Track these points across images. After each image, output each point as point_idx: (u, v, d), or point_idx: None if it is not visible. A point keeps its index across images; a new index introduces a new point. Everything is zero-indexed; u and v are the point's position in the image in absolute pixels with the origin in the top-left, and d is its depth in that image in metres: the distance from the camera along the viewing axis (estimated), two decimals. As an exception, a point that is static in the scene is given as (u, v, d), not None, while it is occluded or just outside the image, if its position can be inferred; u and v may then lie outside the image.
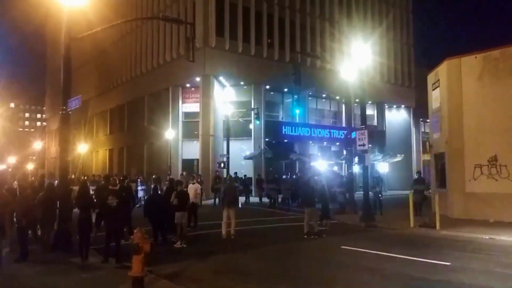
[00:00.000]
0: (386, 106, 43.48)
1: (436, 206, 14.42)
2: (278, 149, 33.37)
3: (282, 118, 35.79)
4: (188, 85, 33.73)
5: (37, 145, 62.02)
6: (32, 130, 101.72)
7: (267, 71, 32.58)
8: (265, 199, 25.48)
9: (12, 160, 59.14)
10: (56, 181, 13.21)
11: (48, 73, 66.96)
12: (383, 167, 35.67)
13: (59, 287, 7.84)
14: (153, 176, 23.16)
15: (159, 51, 35.87)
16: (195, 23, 28.92)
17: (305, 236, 12.99)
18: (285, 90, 34.96)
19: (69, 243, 10.62)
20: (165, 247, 11.41)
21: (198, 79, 31.51)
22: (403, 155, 38.15)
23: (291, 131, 34.49)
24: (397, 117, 45.38)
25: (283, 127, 34.37)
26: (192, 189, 14.97)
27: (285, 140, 34.78)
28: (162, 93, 35.56)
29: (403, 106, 45.15)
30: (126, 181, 16.30)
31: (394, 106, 44.94)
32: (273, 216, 19.18)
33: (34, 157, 62.58)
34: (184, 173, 23.14)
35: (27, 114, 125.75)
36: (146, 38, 37.97)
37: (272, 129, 33.34)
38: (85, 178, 18.30)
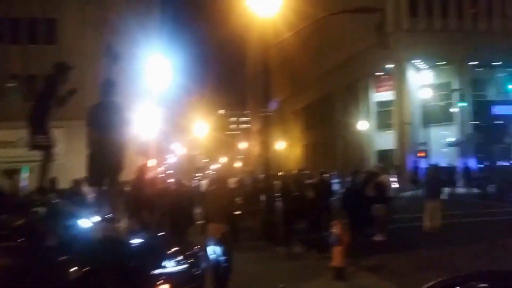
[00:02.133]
0: None
1: None
2: (489, 132, 29.22)
3: (493, 97, 31.24)
4: (380, 73, 32.74)
5: (242, 145, 69.69)
6: (238, 132, 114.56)
7: (471, 46, 28.87)
8: (475, 190, 22.69)
9: (223, 160, 68.01)
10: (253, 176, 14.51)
11: (247, 80, 74.46)
12: None
13: (268, 273, 8.53)
14: (351, 170, 23.27)
15: (348, 44, 35.76)
16: (385, 8, 27.88)
17: None
18: (495, 64, 30.39)
19: (274, 233, 11.48)
20: (364, 240, 11.23)
21: (390, 66, 30.26)
22: None
23: (505, 111, 29.77)
24: None
25: (494, 107, 30.00)
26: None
27: (497, 122, 30.22)
28: (354, 84, 35.46)
29: None
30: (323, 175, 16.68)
31: None
32: (485, 209, 16.88)
33: (240, 156, 70.41)
34: (379, 165, 22.48)
35: (233, 119, 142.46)
36: (334, 33, 38.29)
37: (480, 110, 29.52)
38: (284, 173, 19.64)
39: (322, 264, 8.36)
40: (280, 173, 17.79)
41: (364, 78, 33.55)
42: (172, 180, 16.30)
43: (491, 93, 31.44)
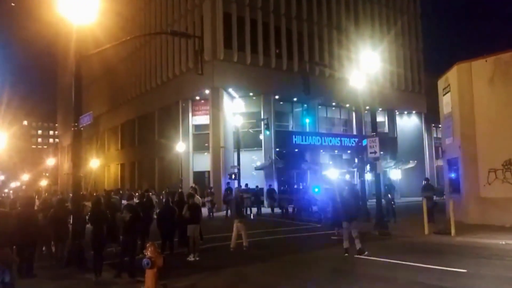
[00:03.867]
0: (397, 113, 43.24)
1: (451, 212, 14.20)
2: (289, 159, 33.29)
3: (292, 128, 35.77)
4: (197, 97, 33.96)
5: (50, 161, 62.84)
6: (45, 147, 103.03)
7: (275, 82, 32.66)
8: (277, 210, 25.35)
9: (25, 177, 59.94)
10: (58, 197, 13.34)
11: (59, 91, 68.04)
12: (395, 174, 35.36)
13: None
14: (166, 190, 23.28)
15: (168, 66, 36.25)
16: (203, 36, 29.16)
17: (346, 254, 11.26)
18: (295, 99, 35.00)
19: (83, 258, 10.65)
20: (178, 261, 11.37)
21: (207, 91, 31.72)
22: (415, 161, 37.79)
23: (302, 141, 34.41)
24: (408, 123, 45.07)
25: (293, 136, 34.32)
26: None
27: (296, 150, 34.71)
28: (172, 106, 35.82)
29: (414, 112, 44.86)
30: (146, 195, 16.30)
31: (405, 112, 44.67)
32: (285, 226, 19.05)
33: (47, 174, 63.40)
34: (193, 186, 23.09)
35: (39, 131, 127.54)
36: (155, 53, 38.43)
37: (282, 139, 33.31)
38: (98, 194, 18.49)
39: (134, 288, 8.15)
40: (92, 193, 16.71)
41: (183, 101, 34.30)
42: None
43: (292, 124, 36.06)
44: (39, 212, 11.10)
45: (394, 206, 19.00)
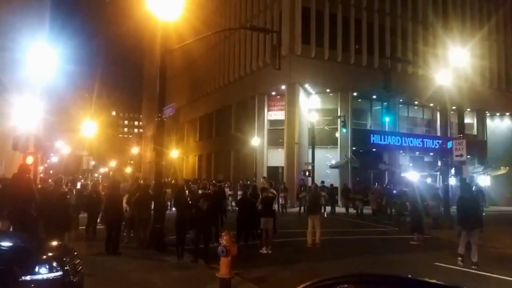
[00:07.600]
0: (488, 114, 39.94)
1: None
2: (366, 158, 32.19)
3: (370, 126, 34.52)
4: (273, 93, 34.04)
5: (134, 150, 67.11)
6: (130, 136, 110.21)
7: (354, 78, 31.65)
8: (352, 210, 24.70)
9: (112, 164, 64.65)
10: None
11: (144, 83, 72.17)
12: (484, 180, 32.79)
13: (153, 283, 8.24)
14: (240, 182, 23.70)
15: (246, 60, 36.75)
16: (281, 31, 29.06)
17: (461, 262, 10.48)
18: (374, 97, 33.73)
19: (162, 242, 11.18)
20: (251, 252, 11.48)
21: (283, 87, 31.66)
22: (507, 168, 34.69)
23: (380, 140, 33.06)
24: (500, 125, 41.40)
25: (371, 135, 33.09)
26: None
27: (373, 149, 33.46)
28: (249, 101, 36.26)
29: (507, 113, 41.17)
30: (218, 185, 16.71)
31: (497, 114, 41.13)
32: (359, 227, 18.50)
33: (132, 161, 67.81)
34: (268, 180, 23.14)
35: (125, 122, 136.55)
36: (234, 48, 39.15)
37: (360, 137, 32.26)
38: (182, 181, 19.26)
39: (209, 274, 8.36)
40: (172, 181, 17.46)
41: (259, 96, 34.60)
42: (51, 180, 14.98)
43: (370, 123, 34.78)
44: (124, 195, 11.82)
45: (481, 214, 17.58)
